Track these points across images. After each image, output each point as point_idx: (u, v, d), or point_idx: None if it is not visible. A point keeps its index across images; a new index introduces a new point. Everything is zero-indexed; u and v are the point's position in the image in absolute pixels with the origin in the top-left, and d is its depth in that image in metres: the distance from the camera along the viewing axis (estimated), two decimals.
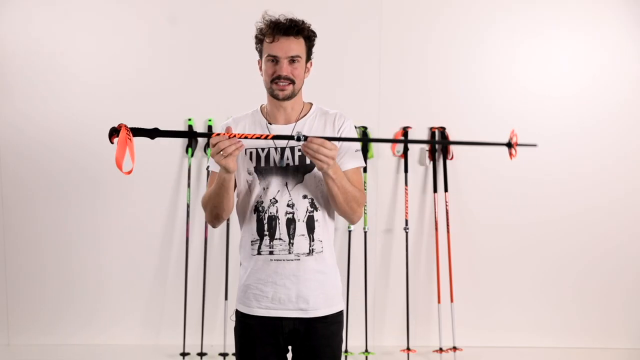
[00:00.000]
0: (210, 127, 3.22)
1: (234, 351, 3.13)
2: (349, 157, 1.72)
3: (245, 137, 1.57)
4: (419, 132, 3.27)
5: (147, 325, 3.36)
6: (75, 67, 3.22)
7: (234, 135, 1.54)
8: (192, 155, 3.23)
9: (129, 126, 1.48)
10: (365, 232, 3.19)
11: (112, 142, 1.48)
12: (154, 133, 1.56)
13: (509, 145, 1.63)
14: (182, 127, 3.25)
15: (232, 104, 3.21)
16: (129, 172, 1.47)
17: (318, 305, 1.71)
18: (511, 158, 1.64)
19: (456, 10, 3.23)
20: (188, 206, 3.22)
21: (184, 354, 3.15)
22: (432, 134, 3.25)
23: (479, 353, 3.26)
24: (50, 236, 3.31)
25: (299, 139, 1.54)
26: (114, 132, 1.47)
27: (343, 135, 1.73)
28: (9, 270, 3.33)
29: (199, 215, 3.27)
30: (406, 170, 3.24)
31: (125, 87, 3.23)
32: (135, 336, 3.36)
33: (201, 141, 3.26)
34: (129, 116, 3.18)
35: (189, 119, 3.24)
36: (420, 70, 3.25)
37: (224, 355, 3.12)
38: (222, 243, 3.27)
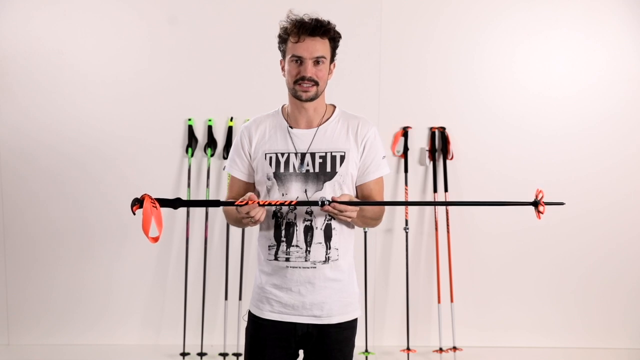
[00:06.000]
0: (210, 127, 3.22)
1: (234, 351, 3.15)
2: (374, 168, 1.72)
3: (269, 204, 1.57)
4: (419, 132, 3.27)
5: (147, 325, 3.36)
6: (75, 66, 3.22)
7: (258, 202, 1.55)
8: (192, 155, 3.23)
9: (152, 197, 1.47)
10: (365, 232, 3.19)
11: (134, 213, 1.47)
12: (176, 203, 1.54)
13: (535, 204, 1.58)
14: (182, 127, 3.25)
15: (232, 104, 3.24)
16: (156, 240, 1.45)
17: (332, 312, 1.70)
18: (539, 218, 1.59)
19: (456, 10, 3.23)
20: None
21: (184, 354, 3.15)
22: (432, 134, 3.25)
23: (479, 353, 3.25)
24: (49, 236, 3.30)
25: (322, 204, 1.54)
26: (136, 203, 1.47)
27: (367, 145, 1.72)
28: (9, 270, 3.33)
29: (199, 215, 3.26)
30: (406, 170, 3.24)
31: (125, 87, 3.23)
32: (135, 336, 3.36)
33: (201, 141, 3.26)
34: (129, 115, 3.23)
35: (189, 119, 3.24)
36: (420, 70, 3.25)
37: (224, 355, 3.12)
38: (222, 243, 3.27)
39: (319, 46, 1.62)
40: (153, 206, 1.46)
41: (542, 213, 1.56)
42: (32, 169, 3.27)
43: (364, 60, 3.20)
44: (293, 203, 1.57)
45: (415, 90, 3.25)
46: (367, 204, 1.66)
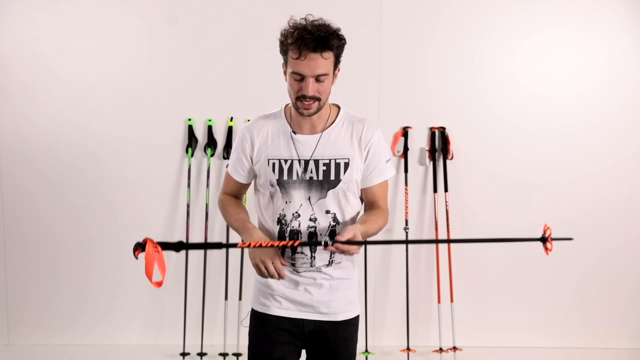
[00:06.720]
0: (210, 127, 3.22)
1: (234, 351, 3.14)
2: (378, 172, 1.70)
3: (272, 245, 1.53)
4: (419, 132, 3.27)
5: (147, 325, 3.36)
6: (75, 67, 3.22)
7: (260, 245, 1.51)
8: (192, 155, 3.23)
9: (154, 241, 1.45)
10: None
11: (136, 258, 1.45)
12: (179, 246, 1.50)
13: (543, 240, 1.55)
14: (182, 127, 3.25)
15: (232, 104, 3.24)
16: (160, 284, 1.43)
17: (338, 310, 1.72)
18: (547, 253, 1.57)
19: (456, 10, 3.22)
20: (188, 206, 3.21)
21: (184, 354, 3.15)
22: (432, 134, 3.25)
23: (479, 353, 3.26)
24: (49, 236, 3.30)
25: (326, 244, 1.49)
26: (138, 247, 1.45)
27: (371, 149, 1.68)
28: (9, 270, 3.33)
29: (198, 215, 3.26)
30: (406, 170, 3.24)
31: (125, 87, 3.23)
32: (136, 336, 3.36)
33: (201, 141, 3.26)
34: (129, 116, 3.23)
35: (189, 119, 3.24)
36: (420, 70, 3.25)
37: (224, 355, 3.12)
38: None
39: (320, 63, 1.54)
40: (155, 250, 1.43)
41: (549, 250, 1.54)
42: (32, 169, 3.27)
43: (364, 60, 3.20)
44: (296, 244, 1.52)
45: (415, 90, 3.25)
46: (370, 243, 1.65)
